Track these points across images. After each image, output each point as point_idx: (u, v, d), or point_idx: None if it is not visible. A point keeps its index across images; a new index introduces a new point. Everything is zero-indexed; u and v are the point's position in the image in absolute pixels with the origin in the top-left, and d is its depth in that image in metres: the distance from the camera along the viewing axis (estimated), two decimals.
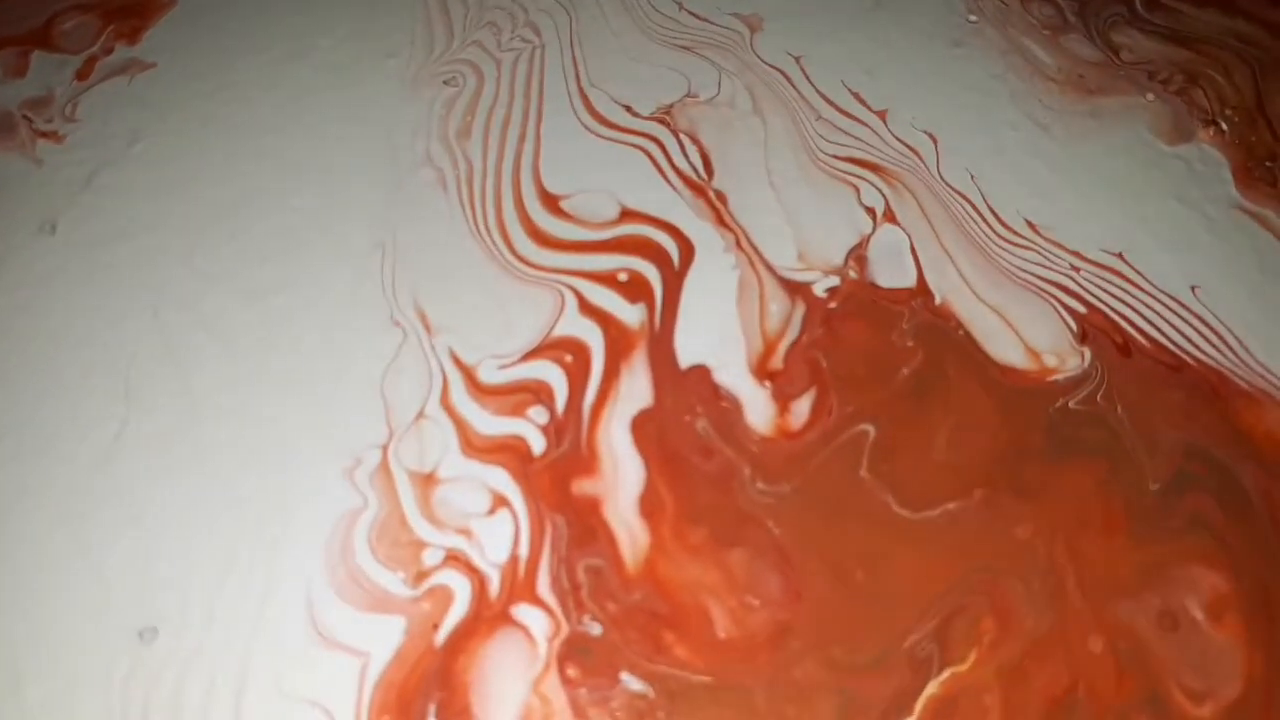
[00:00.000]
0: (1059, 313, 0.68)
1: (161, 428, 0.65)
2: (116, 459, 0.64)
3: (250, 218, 0.72)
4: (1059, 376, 0.66)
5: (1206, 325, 0.68)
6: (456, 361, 0.66)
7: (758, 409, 0.65)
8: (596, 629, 0.59)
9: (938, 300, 0.68)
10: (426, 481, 0.63)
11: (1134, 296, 0.68)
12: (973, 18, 0.81)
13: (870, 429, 0.64)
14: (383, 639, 0.59)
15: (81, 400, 0.65)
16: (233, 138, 0.76)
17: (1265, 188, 0.72)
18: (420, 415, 0.65)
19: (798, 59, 0.80)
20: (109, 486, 0.63)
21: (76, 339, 0.68)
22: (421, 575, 0.60)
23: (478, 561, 0.61)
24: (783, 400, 0.65)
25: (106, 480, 0.63)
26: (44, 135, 0.75)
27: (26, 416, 0.65)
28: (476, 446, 0.64)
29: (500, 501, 0.62)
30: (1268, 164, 0.73)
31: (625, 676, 0.58)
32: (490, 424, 0.65)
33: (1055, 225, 0.71)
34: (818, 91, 0.78)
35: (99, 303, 0.69)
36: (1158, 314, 0.68)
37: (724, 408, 0.65)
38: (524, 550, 0.61)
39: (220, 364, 0.67)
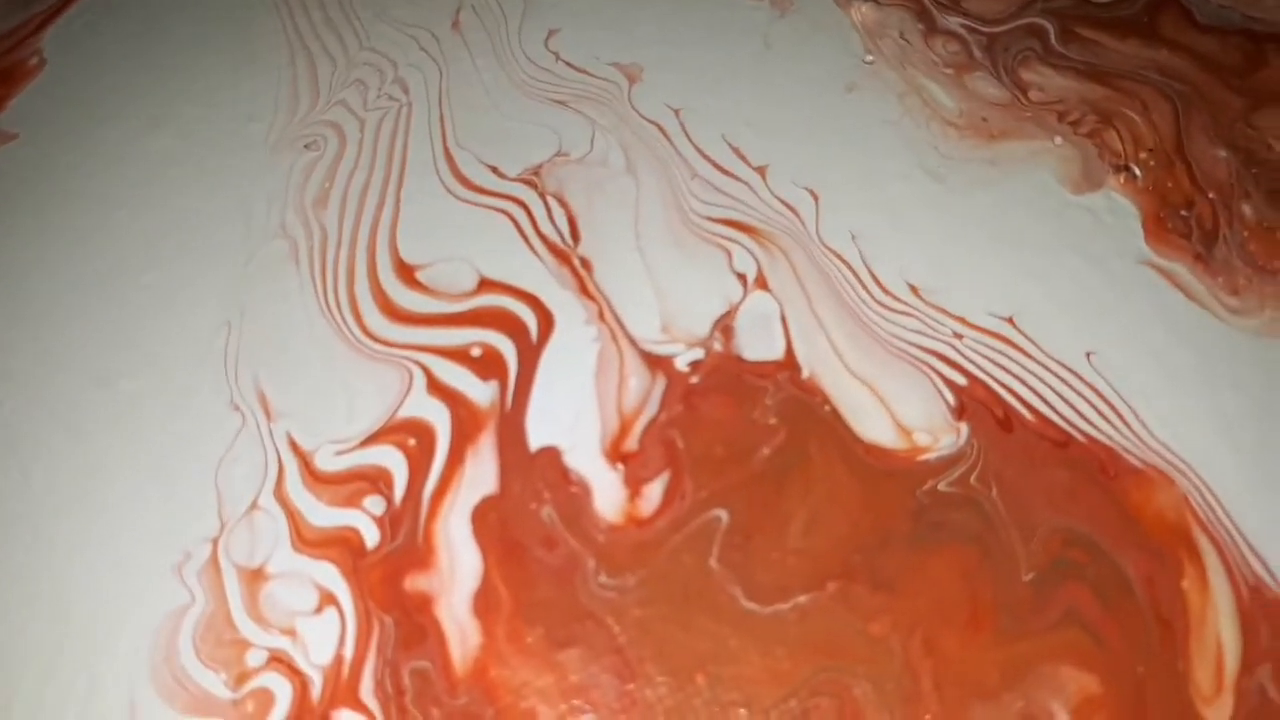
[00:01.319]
0: (936, 386, 0.65)
1: None
2: None
3: (100, 297, 0.71)
4: (931, 456, 0.63)
5: (1100, 396, 0.64)
6: (294, 448, 0.65)
7: (608, 494, 0.63)
8: None
9: (805, 374, 0.66)
10: (255, 577, 0.62)
11: (1021, 366, 0.65)
12: (869, 58, 0.77)
13: (724, 515, 0.62)
14: None
15: None
16: (88, 213, 0.75)
17: (1178, 240, 0.68)
18: (253, 507, 0.64)
19: (677, 112, 0.77)
20: None
21: None
22: (243, 676, 0.60)
23: (300, 663, 0.60)
24: (635, 484, 0.63)
25: None
26: None
27: None
28: (308, 540, 0.63)
29: (328, 599, 0.61)
30: (1183, 213, 0.69)
31: None
32: (324, 515, 0.63)
33: (940, 288, 0.68)
34: (695, 147, 0.75)
35: None
36: (1046, 384, 0.64)
37: (573, 493, 0.63)
38: (349, 651, 0.60)
39: (63, 452, 0.66)
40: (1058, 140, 0.72)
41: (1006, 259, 0.68)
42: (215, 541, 0.63)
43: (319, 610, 0.61)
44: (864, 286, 0.68)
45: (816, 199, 0.72)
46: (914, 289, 0.68)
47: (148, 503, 0.64)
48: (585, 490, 0.63)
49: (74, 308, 0.71)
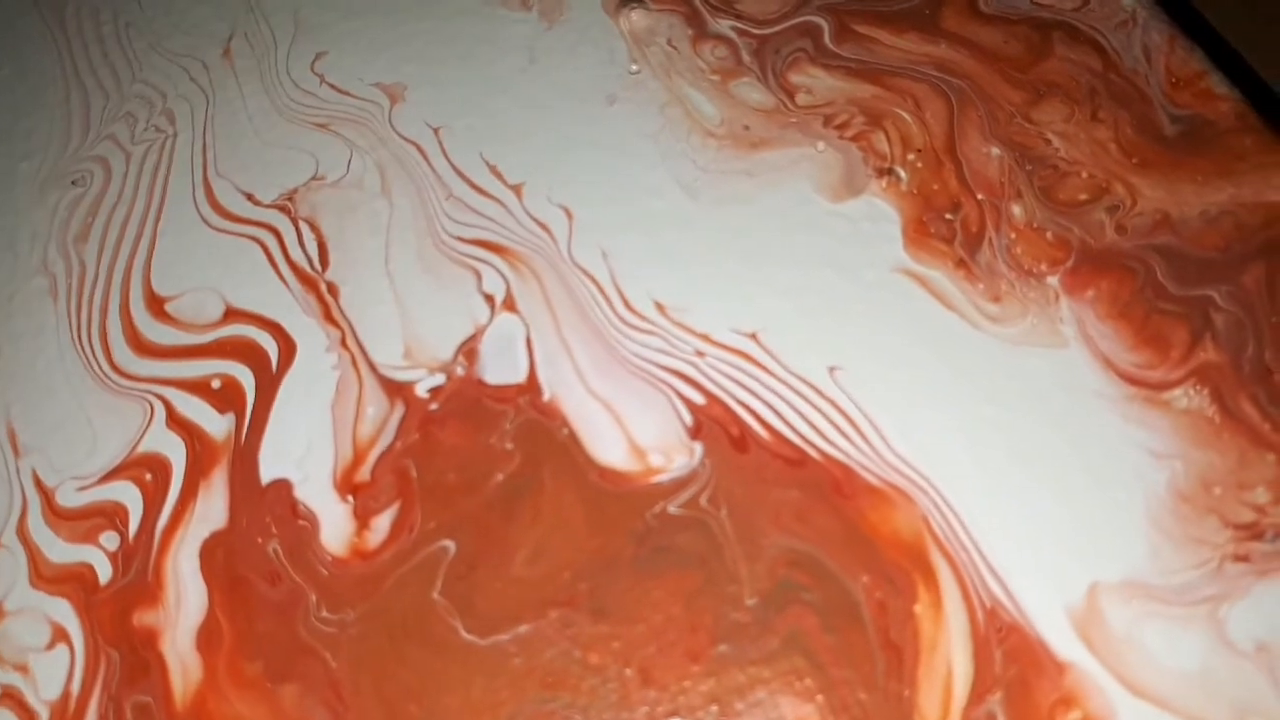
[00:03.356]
0: (674, 405, 0.65)
1: None
2: None
3: None
4: (663, 477, 0.63)
5: (840, 411, 0.64)
6: (38, 484, 0.67)
7: (335, 527, 0.64)
8: None
9: (546, 397, 0.66)
10: None
11: (761, 383, 0.65)
12: (634, 68, 0.77)
13: (451, 545, 0.63)
14: None
15: None
16: None
17: (939, 245, 0.68)
18: None
19: (436, 131, 0.77)
20: None
21: None
22: None
23: (30, 700, 0.61)
24: (363, 517, 0.64)
25: None
26: None
27: None
28: (45, 576, 0.64)
29: (60, 635, 0.63)
30: (948, 216, 0.68)
31: None
32: (62, 551, 0.65)
33: (687, 306, 0.67)
34: (452, 166, 0.75)
35: None
36: (786, 401, 0.64)
37: (300, 527, 0.64)
38: (76, 686, 0.61)
39: None
40: (820, 146, 0.71)
41: (755, 274, 0.68)
42: None
43: (50, 646, 0.62)
44: (611, 306, 0.68)
45: (571, 216, 0.71)
46: (660, 307, 0.67)
47: None
48: (313, 524, 0.64)
49: None
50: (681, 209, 0.70)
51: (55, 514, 0.66)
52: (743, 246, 0.69)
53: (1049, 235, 0.67)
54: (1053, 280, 0.65)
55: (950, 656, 0.57)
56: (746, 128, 0.72)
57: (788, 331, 0.66)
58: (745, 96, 0.74)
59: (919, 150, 0.70)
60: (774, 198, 0.70)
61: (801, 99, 0.73)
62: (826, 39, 0.75)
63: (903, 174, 0.69)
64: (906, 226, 0.68)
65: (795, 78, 0.74)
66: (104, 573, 0.64)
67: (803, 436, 0.63)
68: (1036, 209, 0.67)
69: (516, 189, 0.73)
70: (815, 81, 0.73)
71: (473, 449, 0.65)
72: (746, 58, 0.75)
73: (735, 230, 0.69)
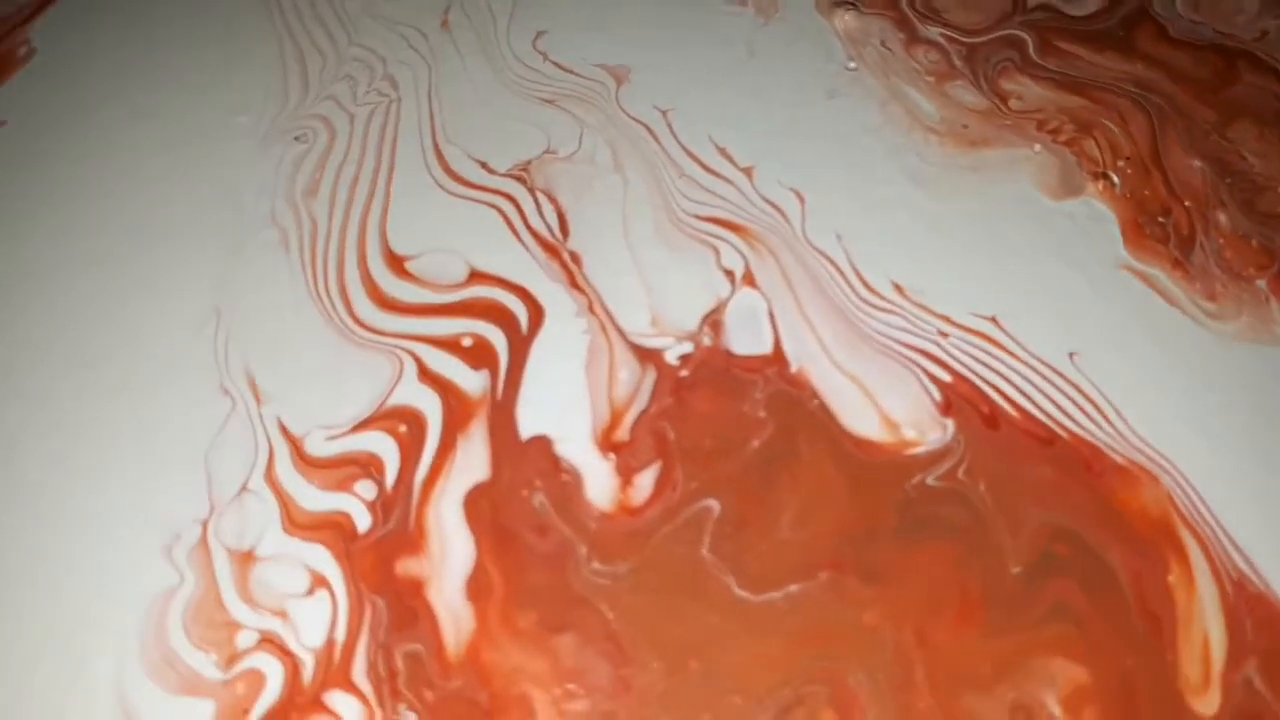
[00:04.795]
0: (922, 382, 0.64)
1: None
2: None
3: (85, 284, 0.70)
4: (918, 450, 0.63)
5: (1083, 394, 0.64)
6: (284, 432, 0.64)
7: (599, 483, 0.62)
8: (411, 718, 0.55)
9: (793, 369, 0.65)
10: (245, 560, 0.60)
11: (1005, 364, 0.65)
12: (852, 64, 0.78)
13: (715, 505, 0.61)
14: None
15: None
16: (77, 199, 0.73)
17: (1156, 245, 0.69)
18: (244, 489, 0.62)
19: (664, 112, 0.76)
20: None
21: None
22: (234, 658, 0.58)
23: (292, 645, 0.58)
24: (626, 474, 0.62)
25: None
26: None
27: None
28: (299, 523, 0.61)
29: (319, 582, 0.60)
30: (1160, 220, 0.69)
31: None
32: (315, 499, 0.62)
33: (925, 288, 0.67)
34: (682, 147, 0.74)
35: None
36: (1030, 383, 0.64)
37: (564, 481, 0.62)
38: (341, 634, 0.58)
39: (44, 436, 0.64)
40: (1036, 148, 0.73)
41: (989, 262, 0.68)
42: (205, 523, 0.62)
43: (310, 592, 0.59)
44: (850, 285, 0.68)
45: (802, 200, 0.71)
46: (899, 288, 0.68)
47: (136, 484, 0.63)
48: (576, 479, 0.62)
49: (58, 292, 0.69)
50: (910, 198, 0.71)
51: (306, 462, 0.63)
52: (973, 236, 0.69)
53: (1254, 243, 0.68)
54: (1261, 284, 0.67)
55: (1205, 625, 0.58)
56: (965, 126, 0.73)
57: (1025, 317, 0.67)
58: (960, 98, 0.75)
59: (1127, 158, 0.71)
60: (998, 192, 0.71)
61: (1014, 104, 0.74)
62: (1031, 51, 0.76)
63: (1115, 179, 0.70)
64: (1124, 227, 0.69)
65: (1006, 84, 0.75)
66: (362, 521, 0.61)
67: (1050, 416, 0.63)
68: (1240, 218, 0.69)
69: (747, 171, 0.73)
70: (1025, 89, 0.75)
71: (726, 415, 0.64)
72: (958, 63, 0.76)
73: (965, 220, 0.70)
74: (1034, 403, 0.64)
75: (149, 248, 0.71)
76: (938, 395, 0.64)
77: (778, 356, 0.66)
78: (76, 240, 0.72)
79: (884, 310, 0.67)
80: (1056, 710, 0.56)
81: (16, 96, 0.79)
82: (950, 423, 0.63)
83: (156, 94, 0.79)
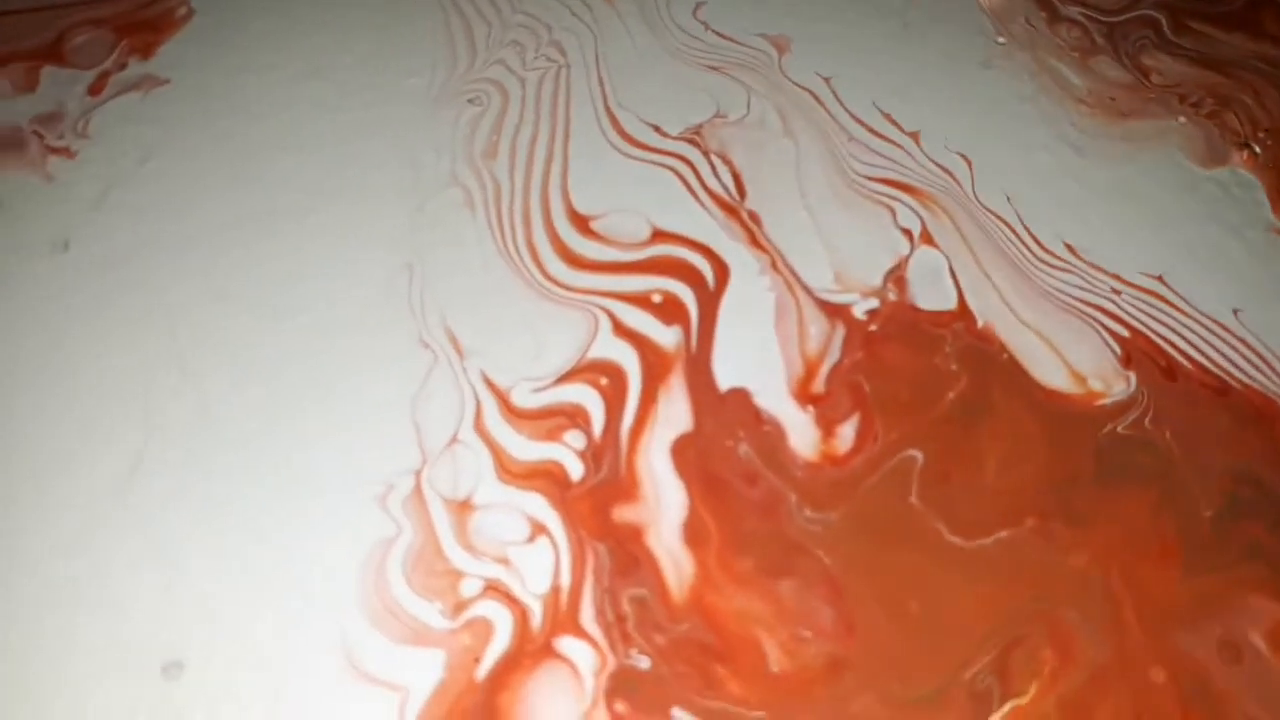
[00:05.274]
0: (1102, 336, 0.66)
1: (182, 455, 0.61)
2: (136, 486, 0.60)
3: (268, 237, 0.69)
4: (1105, 401, 0.64)
5: (1249, 348, 0.66)
6: (489, 385, 0.63)
7: (801, 434, 0.62)
8: (644, 662, 0.56)
9: (980, 323, 0.66)
10: (461, 508, 0.59)
11: (1176, 320, 0.66)
12: (1001, 39, 0.79)
13: (918, 455, 0.62)
14: (421, 673, 0.55)
15: (98, 425, 0.62)
16: (249, 156, 0.72)
17: None
18: (453, 440, 0.62)
19: (827, 80, 0.77)
20: (128, 515, 0.59)
21: (91, 361, 0.64)
22: (460, 606, 0.57)
23: (518, 592, 0.57)
24: (826, 425, 0.62)
25: (125, 509, 0.59)
26: (55, 151, 0.72)
27: (39, 442, 0.61)
28: (512, 472, 0.61)
29: (539, 529, 0.59)
30: None
31: (677, 712, 0.55)
32: (526, 449, 0.62)
33: (1093, 248, 0.69)
34: (848, 113, 0.76)
35: (114, 324, 0.65)
36: (1200, 337, 0.66)
37: (766, 432, 0.62)
38: (565, 580, 0.58)
39: (242, 387, 0.63)
40: (1181, 120, 0.75)
41: (1148, 225, 0.70)
42: (418, 474, 0.61)
43: (530, 540, 0.59)
44: (1024, 244, 0.69)
45: (969, 164, 0.73)
46: (1070, 248, 0.69)
47: (340, 436, 0.62)
48: (778, 430, 0.62)
49: (240, 247, 0.68)
50: (1070, 164, 0.73)
51: (513, 413, 0.62)
52: (1132, 200, 0.71)
53: None
54: None
55: None
56: (1112, 99, 0.75)
57: (1188, 276, 0.69)
58: (1105, 73, 0.77)
59: (1267, 130, 0.73)
60: (1150, 160, 0.73)
61: (1156, 79, 0.77)
62: (1166, 30, 0.78)
63: (1257, 149, 0.72)
64: (1270, 194, 0.71)
65: (1146, 60, 0.77)
66: (574, 470, 0.61)
67: (1222, 368, 0.65)
68: None
69: (914, 135, 0.74)
70: (1164, 65, 0.77)
71: (919, 368, 0.65)
72: (1099, 40, 0.78)
73: (1122, 185, 0.72)
74: (1206, 356, 0.65)
75: (332, 205, 0.70)
76: (1118, 349, 0.65)
77: (963, 312, 0.67)
78: (256, 198, 0.70)
79: (1059, 269, 0.68)
80: (1262, 645, 0.57)
81: (177, 56, 0.78)
82: (1132, 375, 0.64)
83: (322, 55, 0.78)
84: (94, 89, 0.75)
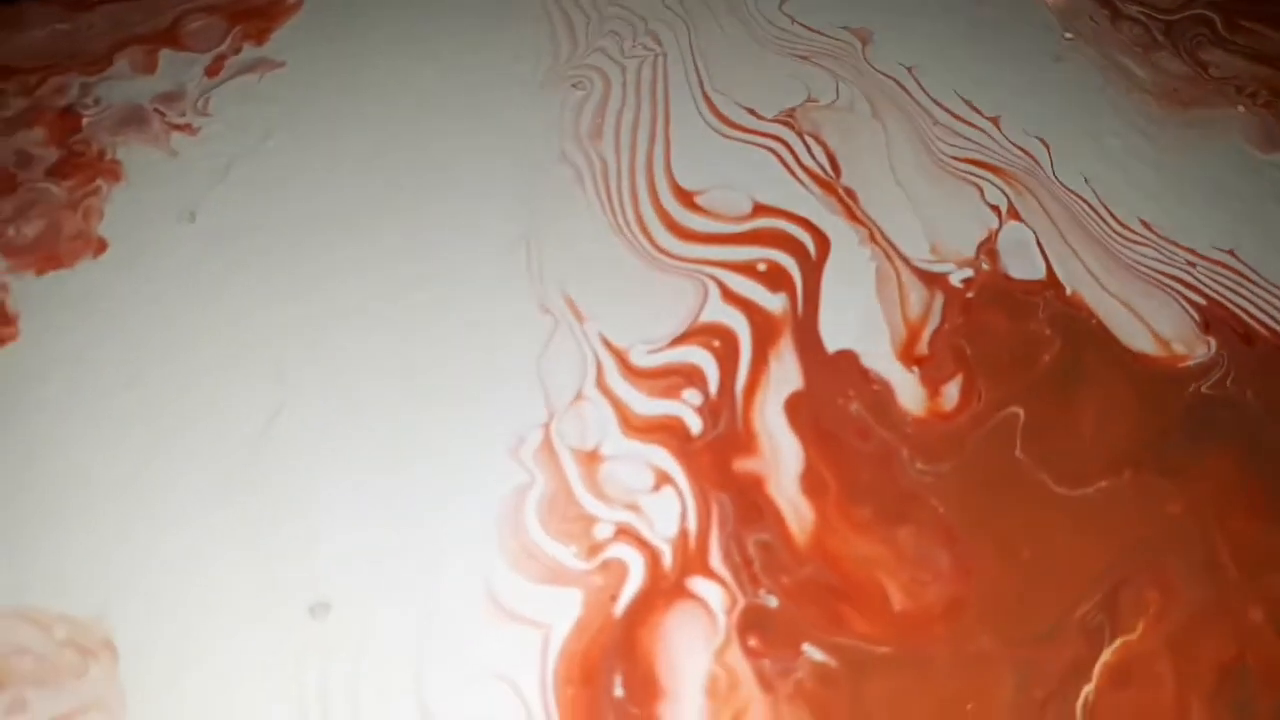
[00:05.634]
0: (1181, 304, 0.69)
1: (319, 410, 0.63)
2: (276, 440, 0.61)
3: (390, 212, 0.71)
4: (1189, 363, 0.66)
5: None
6: (608, 346, 0.65)
7: (908, 392, 0.65)
8: (773, 601, 0.57)
9: (1068, 291, 0.69)
10: (590, 459, 0.61)
11: (1248, 290, 0.70)
12: (1069, 35, 0.83)
13: (1020, 412, 0.64)
14: (561, 611, 0.57)
15: (235, 384, 0.63)
16: (366, 135, 0.74)
17: None
18: (578, 397, 0.64)
19: (910, 69, 0.81)
20: (270, 467, 0.61)
21: (225, 324, 0.65)
22: (594, 549, 0.59)
23: (648, 535, 0.59)
24: (932, 384, 0.65)
25: (266, 461, 0.61)
26: (177, 128, 0.74)
27: (181, 401, 0.62)
28: (635, 426, 0.63)
29: (664, 479, 0.61)
30: None
31: (807, 647, 0.56)
32: (647, 405, 0.64)
33: (1167, 225, 0.72)
34: (931, 98, 0.79)
35: (245, 289, 0.67)
36: (1273, 305, 0.68)
37: (875, 391, 0.65)
38: (692, 525, 0.59)
39: (372, 349, 0.65)
40: (1240, 109, 0.78)
41: (1216, 204, 0.74)
42: (546, 427, 0.62)
43: (657, 488, 0.60)
44: (1103, 221, 0.72)
45: (1048, 146, 0.76)
46: (1146, 224, 0.72)
47: (470, 394, 0.64)
48: (886, 389, 0.65)
49: (364, 220, 0.70)
50: (1140, 148, 0.76)
51: (632, 372, 0.64)
52: (1200, 181, 0.75)
53: None
54: None
55: None
56: (1175, 90, 0.79)
57: (1258, 250, 0.72)
58: (1166, 66, 0.81)
59: None
60: (1214, 145, 0.77)
61: (1214, 71, 0.80)
62: (1220, 28, 0.82)
63: None
64: None
65: (1203, 55, 0.81)
66: (694, 425, 0.63)
67: None
68: None
69: (994, 120, 0.77)
70: (1220, 60, 0.81)
71: (1015, 333, 0.67)
72: (1159, 36, 0.82)
73: (1190, 168, 0.76)
74: (1279, 323, 0.68)
75: (449, 182, 0.73)
76: (1196, 316, 0.68)
77: (1052, 281, 0.69)
78: (377, 174, 0.73)
79: (1137, 243, 0.71)
80: None
81: (291, 41, 0.81)
82: (1212, 340, 0.67)
83: (431, 42, 0.81)
84: (211, 70, 0.77)
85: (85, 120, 0.73)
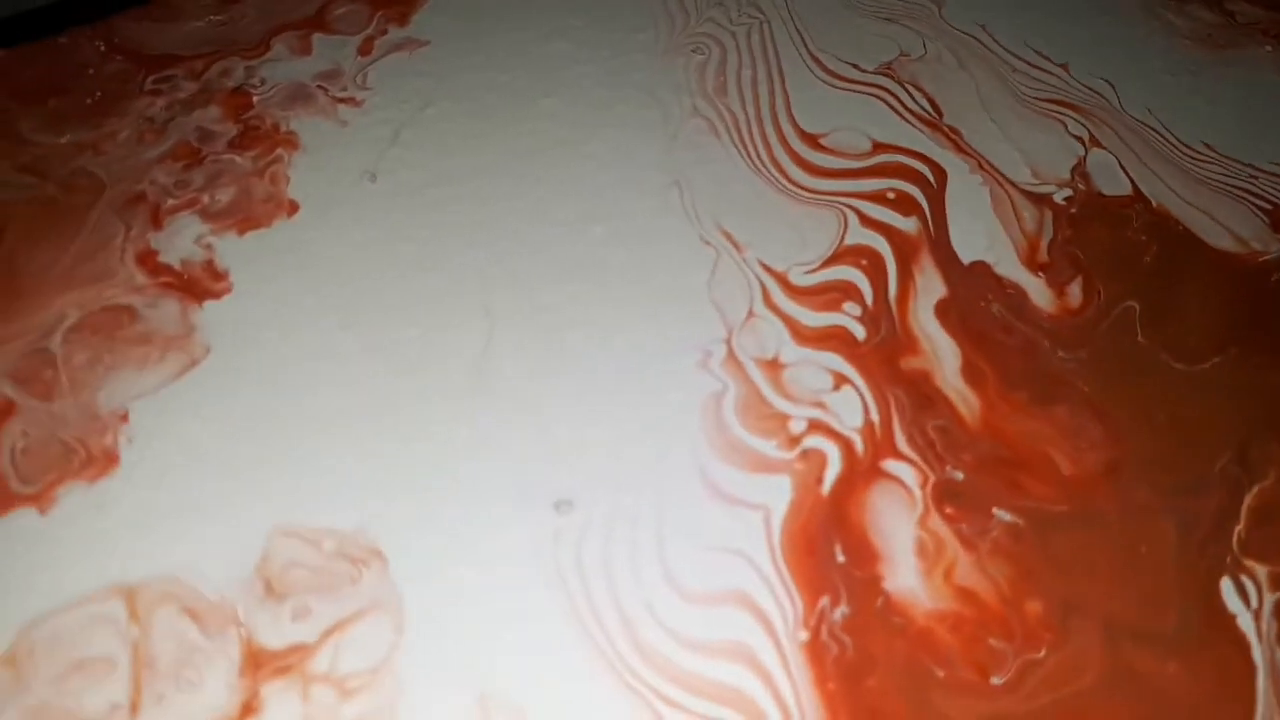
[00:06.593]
0: (1252, 209, 0.76)
1: (525, 337, 0.67)
2: (492, 364, 0.66)
3: (550, 164, 0.76)
4: (1267, 257, 0.73)
5: None
6: (768, 270, 0.70)
7: (1038, 294, 0.71)
8: (959, 475, 0.63)
9: (1154, 204, 0.76)
10: (771, 367, 0.66)
11: None
12: None
13: (1135, 305, 0.70)
14: (774, 494, 0.62)
15: (446, 318, 0.67)
16: (515, 100, 0.79)
17: None
18: (750, 315, 0.68)
19: (982, 26, 0.88)
20: (491, 388, 0.65)
21: (422, 267, 0.69)
22: (793, 440, 0.64)
23: (837, 427, 0.64)
24: (1057, 286, 0.71)
25: (490, 381, 0.65)
26: (342, 101, 0.78)
27: (395, 336, 0.66)
28: (806, 336, 0.68)
29: (841, 379, 0.66)
30: None
31: (997, 511, 0.61)
32: (813, 318, 0.69)
33: (1226, 145, 0.80)
34: (1005, 50, 0.86)
35: (436, 237, 0.71)
36: None
37: (1010, 294, 0.71)
38: (875, 416, 0.65)
39: (560, 283, 0.70)
40: (1268, 48, 0.87)
41: (1265, 127, 0.81)
42: (728, 341, 0.67)
43: (837, 388, 0.66)
44: (1172, 144, 0.80)
45: (1113, 86, 0.84)
46: (1208, 146, 0.80)
47: (654, 318, 0.68)
48: (1019, 291, 0.71)
49: (527, 171, 0.75)
50: (1190, 84, 0.84)
51: (794, 291, 0.70)
52: (1247, 108, 0.83)
53: None
54: None
55: None
56: (1210, 35, 0.87)
57: None
58: (1199, 15, 0.89)
59: None
60: (1252, 80, 0.85)
61: (1240, 19, 0.88)
62: None
63: None
64: None
65: (1229, 5, 0.90)
66: (858, 332, 0.68)
67: None
68: None
69: (1064, 66, 0.84)
70: (1243, 9, 0.90)
71: (1117, 240, 0.74)
72: None
73: (1235, 99, 0.83)
74: None
75: (598, 136, 0.77)
76: (1265, 218, 0.76)
77: (1139, 196, 0.76)
78: (532, 133, 0.78)
79: (1203, 161, 0.79)
80: None
81: (430, 22, 0.85)
82: None
83: (557, 19, 0.86)
84: (363, 50, 0.81)
85: (255, 98, 0.76)
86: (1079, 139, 0.80)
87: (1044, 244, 0.73)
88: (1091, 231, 0.74)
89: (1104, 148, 0.79)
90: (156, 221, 0.70)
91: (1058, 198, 0.75)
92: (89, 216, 0.69)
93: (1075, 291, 0.71)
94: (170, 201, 0.71)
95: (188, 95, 0.76)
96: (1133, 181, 0.77)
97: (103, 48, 0.79)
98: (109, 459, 0.60)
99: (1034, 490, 0.62)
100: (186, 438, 0.62)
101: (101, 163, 0.72)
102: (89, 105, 0.75)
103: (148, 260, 0.68)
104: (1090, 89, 0.83)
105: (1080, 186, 0.76)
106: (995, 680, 0.56)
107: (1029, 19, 0.88)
